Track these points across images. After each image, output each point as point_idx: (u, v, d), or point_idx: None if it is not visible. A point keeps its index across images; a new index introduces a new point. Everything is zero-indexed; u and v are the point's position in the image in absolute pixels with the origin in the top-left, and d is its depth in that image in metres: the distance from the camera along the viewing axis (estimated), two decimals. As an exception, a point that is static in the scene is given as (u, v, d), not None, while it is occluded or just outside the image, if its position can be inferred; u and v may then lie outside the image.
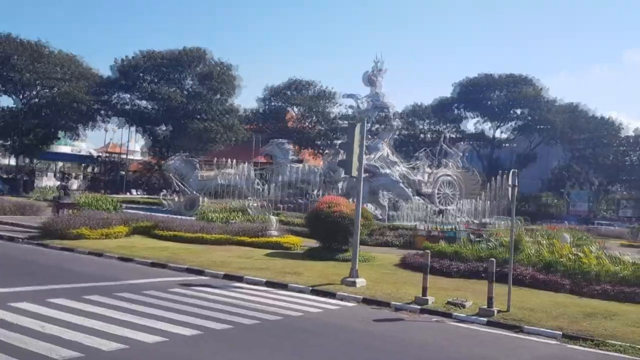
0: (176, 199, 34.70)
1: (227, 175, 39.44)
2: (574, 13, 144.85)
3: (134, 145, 79.08)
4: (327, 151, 39.53)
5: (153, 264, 16.54)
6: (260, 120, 65.15)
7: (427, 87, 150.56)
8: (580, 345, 10.22)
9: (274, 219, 22.42)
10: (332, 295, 13.47)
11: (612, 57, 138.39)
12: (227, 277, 15.15)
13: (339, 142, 36.42)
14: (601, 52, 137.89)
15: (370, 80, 39.68)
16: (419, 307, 12.44)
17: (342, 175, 34.50)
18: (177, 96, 57.97)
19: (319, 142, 64.73)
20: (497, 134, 69.55)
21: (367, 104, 40.37)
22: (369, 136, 40.66)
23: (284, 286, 14.22)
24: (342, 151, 35.39)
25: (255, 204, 31.40)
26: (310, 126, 65.99)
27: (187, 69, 61.32)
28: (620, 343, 10.16)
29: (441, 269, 16.73)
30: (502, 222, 31.14)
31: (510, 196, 12.60)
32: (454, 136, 66.94)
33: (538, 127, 65.26)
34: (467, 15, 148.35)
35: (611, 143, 70.07)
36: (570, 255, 15.49)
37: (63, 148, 70.49)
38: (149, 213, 28.37)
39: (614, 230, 49.10)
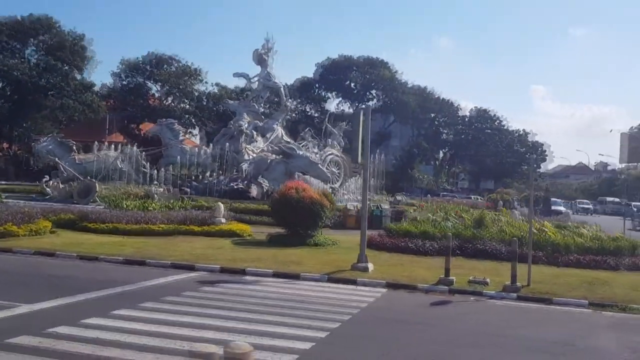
0: (61, 185, 31.26)
1: (107, 157, 36.54)
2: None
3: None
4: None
5: (128, 262, 15.04)
6: (119, 97, 60.59)
7: (288, 68, 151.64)
8: (611, 311, 11.57)
9: (221, 205, 21.45)
10: (352, 282, 13.52)
11: (425, 42, 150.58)
12: (224, 270, 14.34)
13: (237, 123, 35.40)
14: (415, 37, 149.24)
15: (260, 59, 39.07)
16: (446, 287, 13.02)
17: (246, 157, 33.96)
18: (23, 69, 51.70)
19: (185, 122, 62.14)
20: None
21: (258, 83, 39.82)
22: (263, 117, 40.34)
23: (295, 276, 13.90)
24: (249, 133, 34.76)
25: (161, 189, 29.59)
26: (174, 104, 62.98)
27: (33, 40, 54.94)
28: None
29: (417, 249, 17.55)
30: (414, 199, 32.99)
31: (531, 179, 13.63)
32: (316, 115, 68.87)
33: (394, 107, 69.60)
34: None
35: (452, 122, 77.28)
36: (534, 230, 17.16)
37: None
38: (47, 204, 25.53)
39: (470, 201, 54.60)
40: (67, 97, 52.35)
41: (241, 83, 64.89)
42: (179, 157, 35.49)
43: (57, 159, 33.16)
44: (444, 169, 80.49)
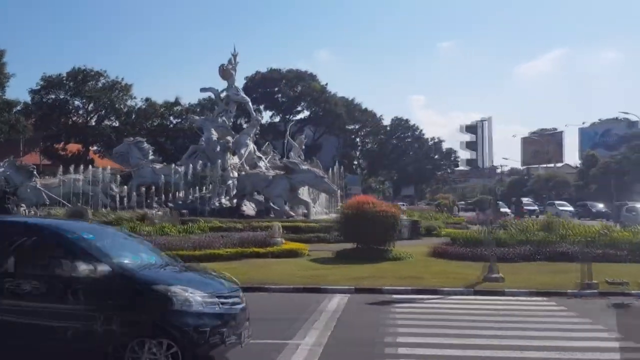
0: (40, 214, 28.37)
1: (76, 181, 33.74)
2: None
3: None
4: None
5: (250, 289, 14.14)
6: (40, 116, 55.85)
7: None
8: None
9: (278, 225, 20.68)
10: (500, 293, 13.68)
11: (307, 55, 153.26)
12: (359, 291, 13.97)
13: (221, 140, 34.16)
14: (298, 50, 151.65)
15: (227, 74, 37.99)
16: (596, 291, 13.55)
17: (231, 174, 32.85)
18: None
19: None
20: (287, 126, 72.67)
21: (225, 98, 38.71)
22: (233, 132, 39.20)
23: (434, 292, 13.87)
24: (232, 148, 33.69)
25: (160, 212, 27.82)
26: (99, 121, 59.13)
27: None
28: None
29: (499, 256, 17.95)
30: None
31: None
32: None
33: (324, 119, 70.34)
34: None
35: (376, 132, 79.70)
36: (601, 231, 18.37)
37: None
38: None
39: (420, 207, 56.62)
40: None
41: (172, 97, 62.95)
42: (158, 178, 33.52)
43: (36, 185, 30.07)
44: (369, 177, 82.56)
